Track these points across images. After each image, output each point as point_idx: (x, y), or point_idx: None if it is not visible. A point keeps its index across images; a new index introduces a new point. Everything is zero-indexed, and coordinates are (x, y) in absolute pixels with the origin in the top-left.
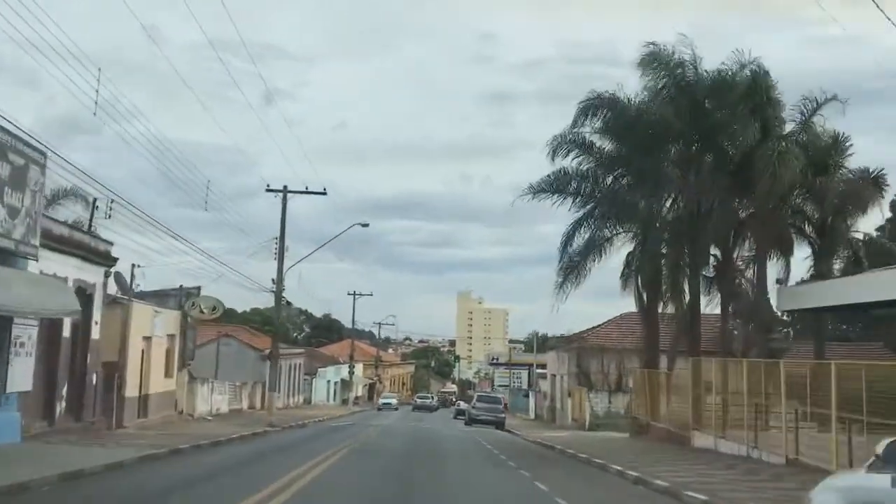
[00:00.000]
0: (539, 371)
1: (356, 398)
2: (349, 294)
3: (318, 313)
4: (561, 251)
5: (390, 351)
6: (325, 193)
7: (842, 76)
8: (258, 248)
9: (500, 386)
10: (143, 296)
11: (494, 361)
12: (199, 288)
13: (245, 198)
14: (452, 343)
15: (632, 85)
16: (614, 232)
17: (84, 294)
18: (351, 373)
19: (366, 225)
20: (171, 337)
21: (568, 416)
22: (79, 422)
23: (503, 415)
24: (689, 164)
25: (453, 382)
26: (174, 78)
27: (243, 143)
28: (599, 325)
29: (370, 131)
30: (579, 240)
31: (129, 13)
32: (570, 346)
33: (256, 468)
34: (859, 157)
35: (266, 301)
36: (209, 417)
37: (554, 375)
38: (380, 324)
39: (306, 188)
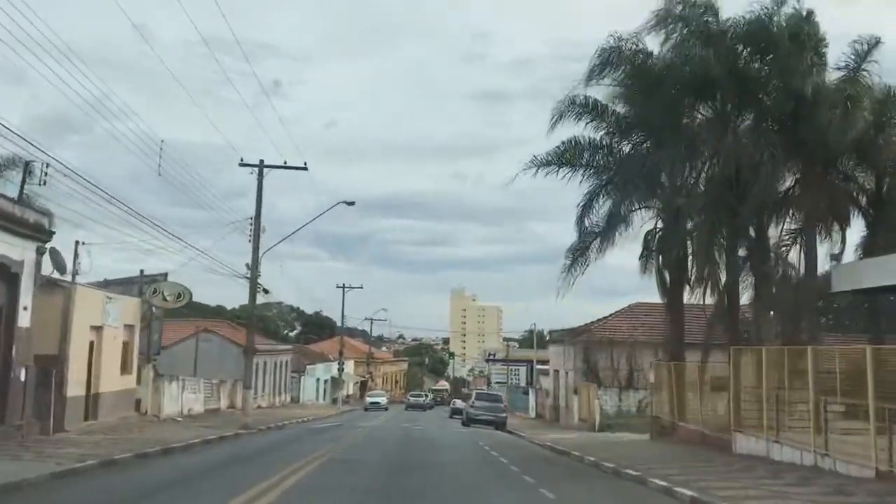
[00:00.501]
0: (540, 367)
1: (347, 397)
2: (338, 287)
3: (309, 310)
4: (578, 226)
5: (384, 349)
6: (305, 168)
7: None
8: (232, 228)
9: (497, 383)
10: (108, 284)
11: (491, 357)
12: (165, 274)
13: (237, 196)
14: (446, 341)
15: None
16: (632, 208)
17: (6, 273)
18: (340, 370)
19: (351, 203)
20: (129, 328)
21: (574, 415)
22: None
23: (504, 414)
24: (725, 123)
25: (448, 380)
26: (166, 76)
27: (237, 142)
28: (607, 317)
29: (364, 130)
30: (594, 217)
31: (121, 10)
32: (576, 340)
33: (198, 485)
34: None
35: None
36: (179, 418)
37: (557, 371)
38: (371, 320)
39: (285, 162)
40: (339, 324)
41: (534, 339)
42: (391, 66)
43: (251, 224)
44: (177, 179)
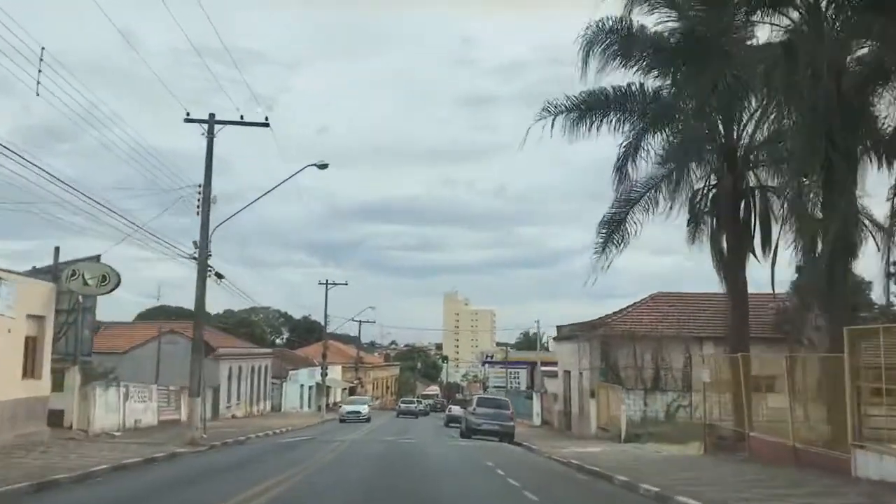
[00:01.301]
0: (545, 369)
1: (333, 404)
2: (320, 283)
3: (298, 315)
4: (617, 179)
5: (376, 355)
6: (266, 125)
7: None
8: (179, 198)
9: (495, 387)
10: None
11: (489, 360)
12: (97, 256)
13: (223, 203)
14: (439, 347)
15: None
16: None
17: None
18: (324, 374)
19: (324, 166)
20: (36, 319)
21: (590, 422)
22: None
23: (512, 423)
24: (818, 23)
25: (441, 385)
26: (152, 84)
27: (224, 150)
28: (626, 309)
29: (353, 136)
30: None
31: (106, 17)
32: (592, 335)
33: None
34: None
35: (241, 303)
36: (116, 433)
37: (568, 372)
38: (360, 321)
39: (241, 117)
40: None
41: (537, 341)
42: (380, 72)
43: (200, 193)
44: (167, 184)
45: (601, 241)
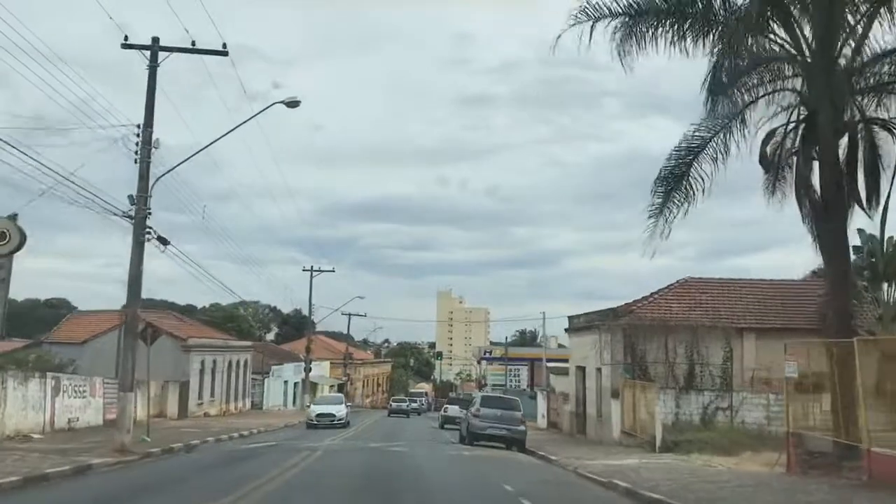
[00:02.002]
0: (552, 365)
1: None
2: (304, 270)
3: (288, 310)
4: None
5: (368, 352)
6: (224, 53)
7: None
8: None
9: (494, 385)
10: None
11: (486, 356)
12: (14, 215)
13: (218, 200)
14: (433, 345)
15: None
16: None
17: None
18: (307, 369)
19: (294, 104)
20: None
21: (612, 426)
22: None
23: (523, 427)
24: None
25: (434, 384)
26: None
27: (220, 146)
28: (652, 295)
29: (347, 134)
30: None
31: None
32: (615, 324)
33: None
34: None
35: (229, 297)
36: (36, 435)
37: (582, 369)
38: (349, 315)
39: (192, 43)
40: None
41: (540, 335)
42: (374, 70)
43: (139, 134)
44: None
45: (658, 200)
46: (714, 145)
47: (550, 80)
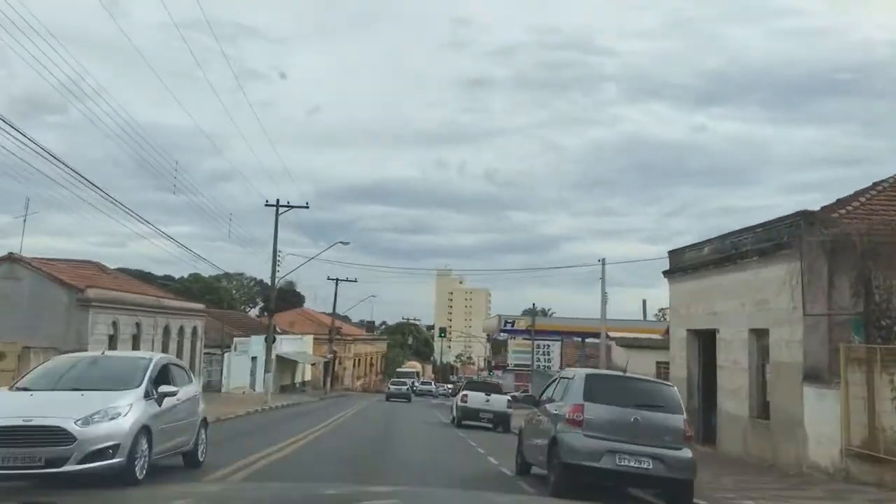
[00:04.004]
0: (617, 335)
1: (302, 384)
2: (268, 205)
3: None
4: None
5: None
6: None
7: None
8: None
9: (516, 366)
10: None
11: (507, 328)
12: None
13: (219, 180)
14: (431, 328)
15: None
16: None
17: None
18: (269, 339)
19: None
20: None
21: (810, 441)
22: None
23: (688, 456)
24: None
25: (434, 366)
26: (149, 58)
27: (219, 127)
28: (855, 199)
29: (345, 116)
30: None
31: None
32: (822, 238)
33: None
34: None
35: (211, 268)
36: None
37: (706, 333)
38: (336, 280)
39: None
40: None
41: (602, 287)
42: (374, 52)
43: None
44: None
45: None
46: None
47: (549, 63)
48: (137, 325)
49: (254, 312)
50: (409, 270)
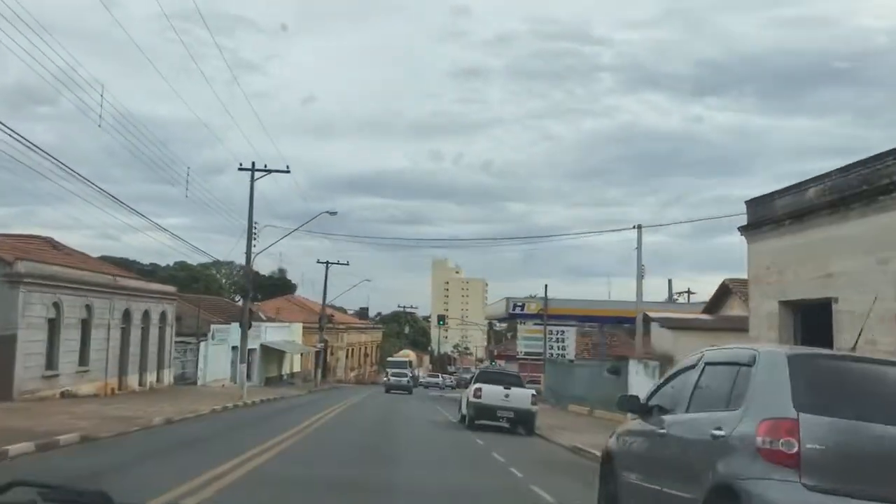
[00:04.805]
0: (660, 316)
1: (289, 375)
2: (241, 168)
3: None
4: None
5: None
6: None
7: None
8: None
9: (527, 354)
10: None
11: (517, 311)
12: None
13: (214, 173)
14: (427, 318)
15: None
16: None
17: None
18: (244, 325)
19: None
20: None
21: None
22: None
23: None
24: None
25: (432, 356)
26: (143, 49)
27: (214, 118)
28: None
29: (340, 107)
30: None
31: None
32: None
33: None
34: None
35: (192, 256)
36: None
37: (819, 305)
38: (327, 262)
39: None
40: (293, 284)
41: (638, 256)
42: (369, 42)
43: None
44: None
45: None
46: None
47: (545, 53)
48: (88, 307)
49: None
50: (398, 242)
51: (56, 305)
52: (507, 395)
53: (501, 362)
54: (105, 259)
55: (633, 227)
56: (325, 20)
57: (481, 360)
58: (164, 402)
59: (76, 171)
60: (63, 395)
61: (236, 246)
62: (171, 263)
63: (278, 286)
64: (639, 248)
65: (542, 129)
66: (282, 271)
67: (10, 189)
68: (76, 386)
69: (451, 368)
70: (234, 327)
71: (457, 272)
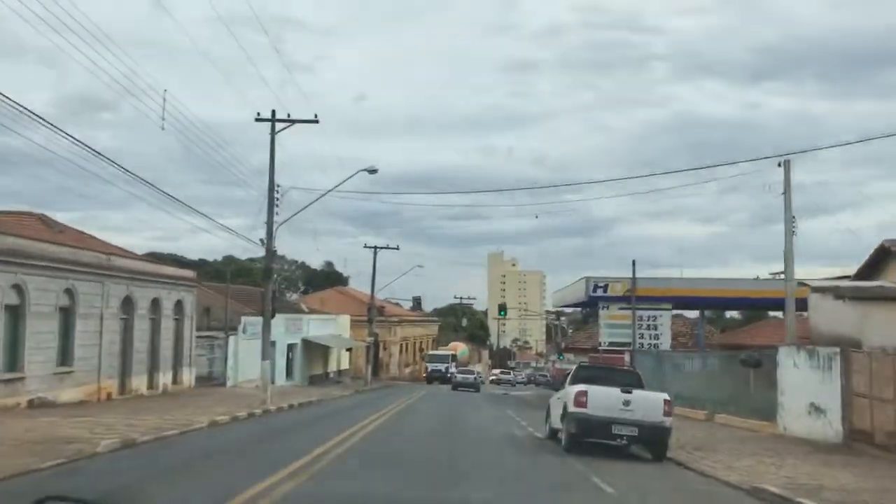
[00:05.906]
0: (820, 284)
1: (336, 373)
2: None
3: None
4: None
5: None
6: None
7: None
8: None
9: (612, 343)
10: None
11: (598, 293)
12: None
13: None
14: (484, 313)
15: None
16: None
17: None
18: (266, 314)
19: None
20: None
21: None
22: None
23: None
24: None
25: (491, 350)
26: (189, 54)
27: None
28: None
29: (391, 104)
30: None
31: None
32: None
33: None
34: None
35: (248, 251)
36: None
37: None
38: (375, 248)
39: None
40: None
41: (787, 195)
42: (418, 39)
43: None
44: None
45: None
46: None
47: (596, 44)
48: (69, 292)
49: (293, 298)
50: (459, 259)
51: (18, 288)
52: (626, 403)
53: (570, 355)
54: (151, 255)
55: (779, 164)
56: (374, 18)
57: (541, 355)
58: (159, 411)
59: (140, 175)
60: (31, 403)
61: (298, 244)
62: (219, 258)
63: (330, 279)
64: (786, 191)
65: (594, 121)
66: (329, 264)
67: (69, 194)
68: (53, 391)
69: (511, 363)
70: (273, 322)
71: (513, 265)
